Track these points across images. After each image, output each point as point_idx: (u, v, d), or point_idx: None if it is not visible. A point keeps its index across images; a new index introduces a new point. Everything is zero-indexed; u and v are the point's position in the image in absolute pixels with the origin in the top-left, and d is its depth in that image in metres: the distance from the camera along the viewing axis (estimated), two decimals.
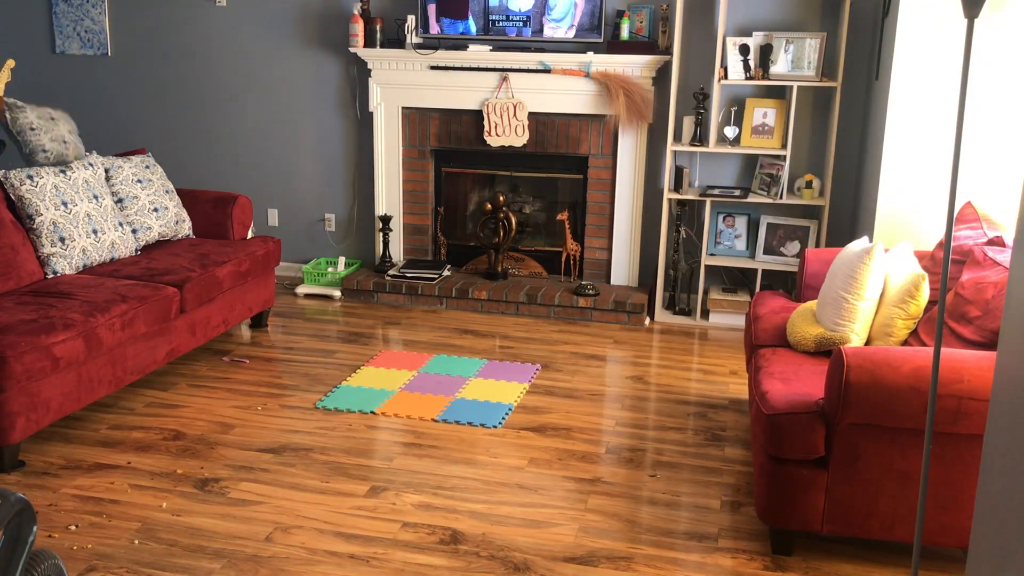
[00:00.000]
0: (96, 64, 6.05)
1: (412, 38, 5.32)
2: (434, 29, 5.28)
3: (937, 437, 2.63)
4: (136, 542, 2.92)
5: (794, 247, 5.09)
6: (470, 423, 3.83)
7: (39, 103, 6.25)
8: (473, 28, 5.23)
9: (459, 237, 5.80)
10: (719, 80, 4.93)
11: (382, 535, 2.99)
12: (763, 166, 5.13)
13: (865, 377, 2.62)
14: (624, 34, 5.12)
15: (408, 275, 5.48)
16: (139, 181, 4.62)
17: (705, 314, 5.25)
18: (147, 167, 4.72)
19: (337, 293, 5.58)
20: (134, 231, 4.52)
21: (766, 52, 4.83)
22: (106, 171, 4.52)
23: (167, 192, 4.74)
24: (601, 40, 5.10)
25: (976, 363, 2.60)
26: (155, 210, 4.62)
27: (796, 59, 4.85)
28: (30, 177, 4.07)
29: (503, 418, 3.88)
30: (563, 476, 3.41)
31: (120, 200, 4.52)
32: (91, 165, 4.41)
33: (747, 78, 4.90)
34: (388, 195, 5.68)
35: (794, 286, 4.84)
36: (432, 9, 5.24)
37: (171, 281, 4.12)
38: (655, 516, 3.15)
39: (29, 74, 6.16)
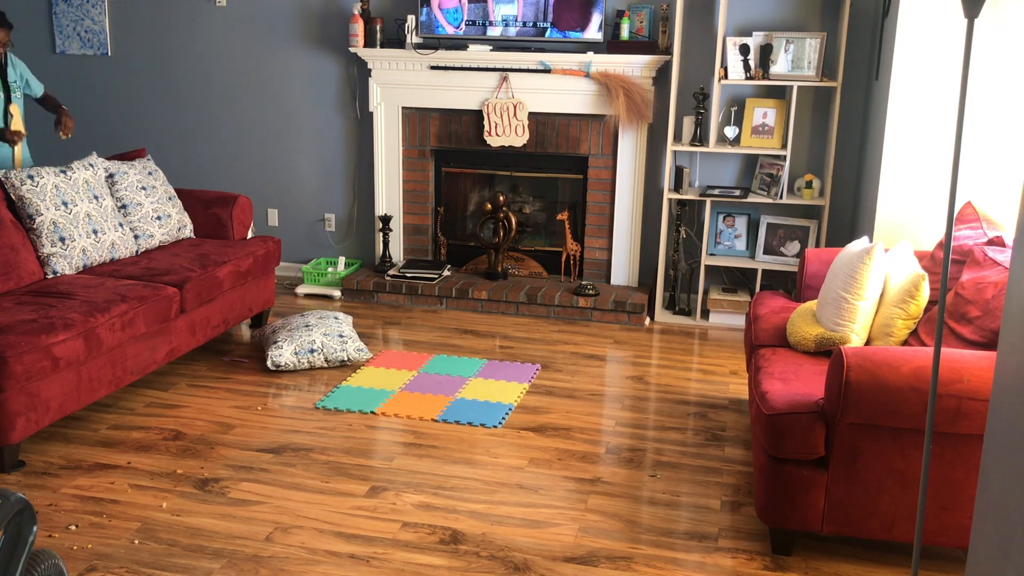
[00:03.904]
0: (96, 64, 6.05)
1: (412, 38, 5.32)
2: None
3: (937, 437, 2.63)
4: (136, 542, 2.92)
5: (794, 247, 5.09)
6: (470, 423, 3.83)
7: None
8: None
9: (459, 237, 5.80)
10: (719, 80, 4.93)
11: (382, 535, 2.99)
12: (763, 166, 5.13)
13: (865, 377, 2.62)
14: (624, 34, 5.12)
15: (408, 275, 5.48)
16: (143, 188, 4.61)
17: (705, 314, 5.25)
18: (150, 173, 4.72)
19: (337, 293, 5.58)
20: (136, 237, 4.52)
21: (766, 52, 4.83)
22: (111, 175, 4.52)
23: (170, 199, 4.75)
24: (602, 40, 5.10)
25: (976, 363, 2.60)
26: (158, 218, 4.62)
27: (796, 59, 4.85)
28: (31, 177, 4.07)
29: (503, 418, 3.88)
30: (563, 476, 3.41)
31: (124, 206, 4.52)
32: (91, 166, 4.41)
33: (747, 78, 4.90)
34: (388, 195, 5.68)
35: (794, 286, 4.84)
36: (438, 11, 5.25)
37: (171, 281, 4.12)
38: (655, 516, 3.15)
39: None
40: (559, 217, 5.52)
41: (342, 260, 5.73)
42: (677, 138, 5.18)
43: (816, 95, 5.10)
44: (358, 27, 5.35)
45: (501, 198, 5.44)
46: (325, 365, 4.39)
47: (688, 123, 5.10)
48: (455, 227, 5.82)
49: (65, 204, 4.14)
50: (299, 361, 4.34)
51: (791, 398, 2.84)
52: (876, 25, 4.77)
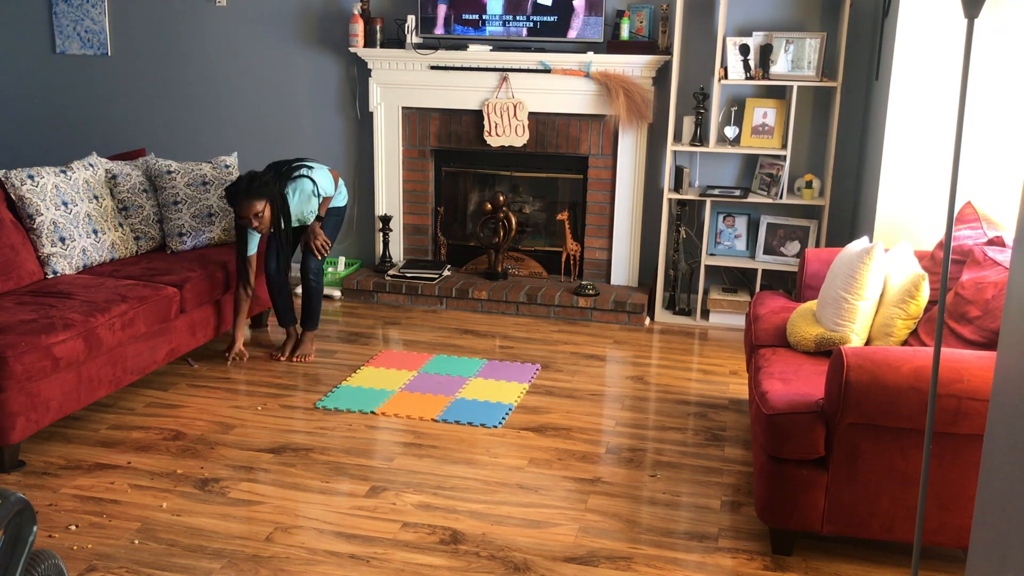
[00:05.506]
0: (96, 64, 6.05)
1: (412, 38, 5.32)
2: (439, 30, 5.27)
3: (937, 437, 2.63)
4: (136, 542, 2.92)
5: (794, 247, 5.09)
6: (470, 423, 3.83)
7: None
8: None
9: (459, 237, 5.80)
10: (719, 80, 4.93)
11: (382, 535, 2.99)
12: (763, 166, 5.13)
13: (865, 377, 2.62)
14: (624, 34, 5.12)
15: (408, 275, 5.48)
16: (144, 191, 4.61)
17: (705, 314, 5.25)
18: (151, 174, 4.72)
19: (337, 293, 5.58)
20: (136, 238, 4.52)
21: (766, 52, 4.83)
22: (114, 177, 4.52)
23: None
24: (601, 40, 5.11)
25: (976, 363, 2.60)
26: (159, 221, 4.62)
27: (796, 59, 4.84)
28: (31, 177, 4.07)
29: (503, 418, 3.88)
30: (563, 476, 3.41)
31: (125, 208, 4.52)
32: (92, 166, 4.41)
33: (747, 78, 4.90)
34: (388, 195, 5.68)
35: (794, 286, 4.84)
36: (441, 10, 5.23)
37: (171, 281, 4.12)
38: (655, 516, 3.15)
39: (29, 74, 6.17)
40: (559, 217, 5.52)
41: (342, 260, 5.73)
42: (677, 138, 5.18)
43: (816, 95, 5.10)
44: (358, 27, 5.35)
45: (501, 198, 5.44)
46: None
47: (688, 123, 5.10)
48: (455, 227, 5.82)
49: (65, 204, 4.14)
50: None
51: (791, 398, 2.84)
52: (876, 25, 4.77)
